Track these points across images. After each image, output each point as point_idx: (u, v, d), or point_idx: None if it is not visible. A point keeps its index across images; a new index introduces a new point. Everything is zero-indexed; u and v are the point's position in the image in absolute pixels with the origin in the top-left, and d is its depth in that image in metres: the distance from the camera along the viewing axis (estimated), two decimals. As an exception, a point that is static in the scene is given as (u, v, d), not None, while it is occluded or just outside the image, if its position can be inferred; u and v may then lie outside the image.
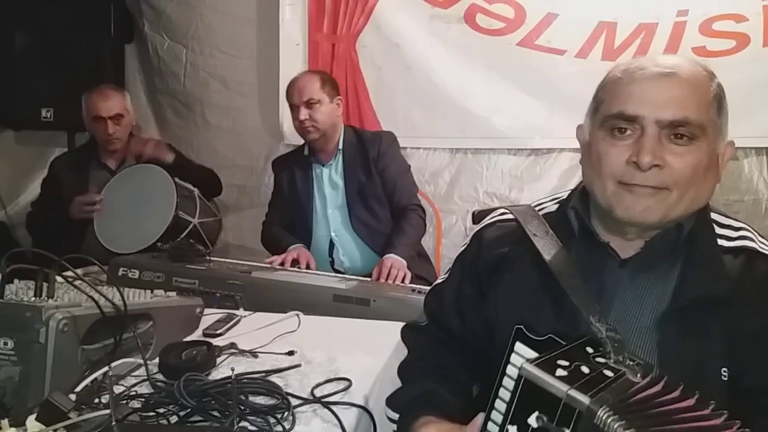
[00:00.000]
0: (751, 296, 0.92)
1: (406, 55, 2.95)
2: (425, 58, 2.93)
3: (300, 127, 2.42)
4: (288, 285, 1.86)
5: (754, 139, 2.66)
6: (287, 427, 1.04)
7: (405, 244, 2.31)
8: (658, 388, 0.79)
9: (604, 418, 0.71)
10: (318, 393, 1.18)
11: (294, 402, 1.12)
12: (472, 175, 2.97)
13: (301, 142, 3.05)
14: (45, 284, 1.09)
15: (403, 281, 2.10)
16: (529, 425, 0.76)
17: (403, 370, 1.14)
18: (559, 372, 0.77)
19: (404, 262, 2.20)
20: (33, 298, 1.07)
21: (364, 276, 2.20)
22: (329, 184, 2.52)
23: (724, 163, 0.99)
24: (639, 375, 0.80)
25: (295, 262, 2.23)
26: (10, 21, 3.22)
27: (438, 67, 2.92)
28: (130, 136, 2.75)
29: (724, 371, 0.90)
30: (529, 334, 0.83)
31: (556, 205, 1.08)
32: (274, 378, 1.23)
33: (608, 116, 0.94)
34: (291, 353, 1.39)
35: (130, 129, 2.75)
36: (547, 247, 0.99)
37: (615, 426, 0.70)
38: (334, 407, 1.13)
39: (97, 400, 1.04)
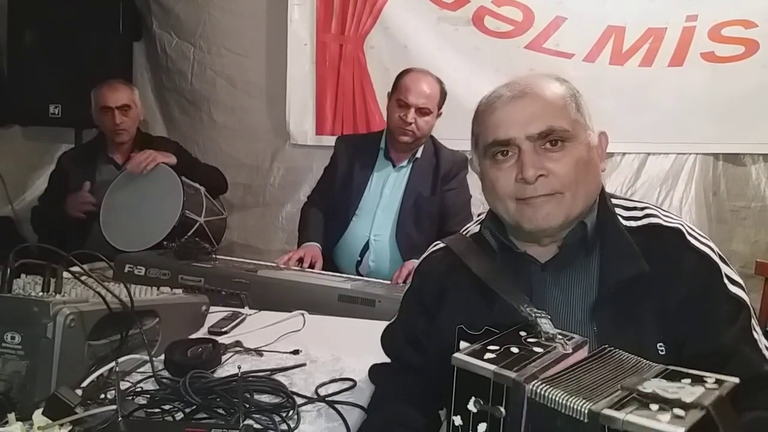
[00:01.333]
0: (666, 268, 0.96)
1: (413, 56, 2.94)
2: (433, 60, 2.92)
3: (399, 126, 2.32)
4: (293, 284, 1.86)
5: (762, 145, 2.66)
6: (292, 425, 1.04)
7: None
8: (584, 354, 0.84)
9: (532, 387, 0.75)
10: (322, 392, 1.18)
11: (299, 401, 1.12)
12: (477, 178, 2.96)
13: (306, 143, 3.09)
14: (52, 279, 1.10)
15: None
16: (470, 411, 0.80)
17: (370, 405, 1.16)
18: (488, 355, 0.82)
19: None
20: (41, 293, 1.08)
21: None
22: (391, 186, 2.43)
23: (603, 152, 1.06)
24: (569, 347, 0.85)
25: (302, 260, 2.22)
26: (20, 18, 3.23)
27: (445, 69, 2.90)
28: (137, 132, 2.75)
29: (660, 346, 0.94)
30: (468, 330, 0.90)
31: (478, 226, 1.15)
32: (279, 376, 1.23)
33: (486, 146, 1.02)
34: (296, 352, 1.39)
35: (138, 123, 2.75)
36: (475, 262, 1.06)
37: (543, 391, 0.74)
38: (338, 407, 1.13)
39: (103, 396, 1.04)
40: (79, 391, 1.01)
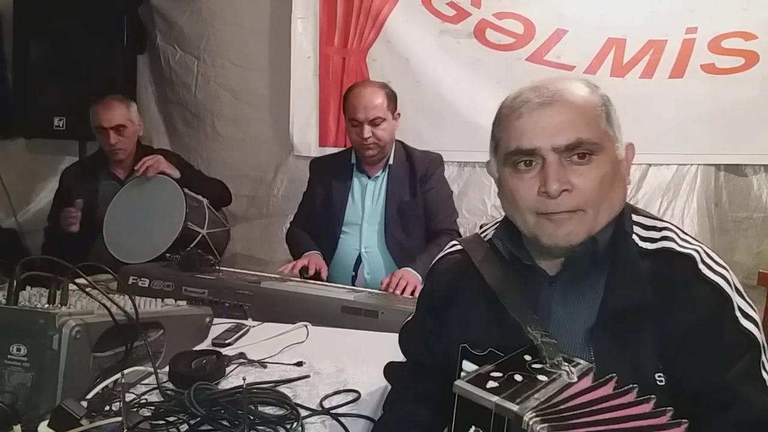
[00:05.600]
0: (673, 298, 0.91)
1: (415, 69, 2.97)
2: (435, 73, 2.95)
3: (360, 143, 2.36)
4: (297, 296, 1.86)
5: (763, 156, 2.66)
6: (296, 437, 1.05)
7: (426, 261, 2.18)
8: (588, 383, 0.81)
9: (530, 422, 0.73)
10: (327, 404, 1.19)
11: (303, 413, 1.12)
12: (480, 189, 2.97)
13: (310, 154, 3.09)
14: (58, 292, 1.11)
15: (412, 294, 2.06)
16: None
17: (386, 403, 1.15)
18: (490, 384, 0.80)
19: (418, 277, 2.14)
20: (46, 305, 1.08)
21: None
22: (371, 198, 2.46)
23: (629, 165, 1.02)
24: (575, 376, 0.82)
25: (305, 269, 2.22)
26: (26, 31, 3.26)
27: (447, 81, 2.94)
28: (139, 146, 2.76)
29: (659, 377, 0.89)
30: (473, 351, 0.87)
31: (495, 229, 1.11)
32: (283, 388, 1.23)
33: (508, 153, 0.97)
34: (299, 364, 1.39)
35: (137, 139, 2.76)
36: (488, 270, 1.03)
37: (538, 428, 0.72)
38: (342, 419, 1.13)
39: (108, 408, 1.04)
40: (84, 403, 1.01)
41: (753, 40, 2.59)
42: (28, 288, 1.17)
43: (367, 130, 2.32)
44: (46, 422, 0.94)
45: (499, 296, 0.98)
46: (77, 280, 1.20)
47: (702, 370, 0.88)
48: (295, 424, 1.08)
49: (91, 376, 1.09)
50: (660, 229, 0.99)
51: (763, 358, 0.89)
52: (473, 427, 0.78)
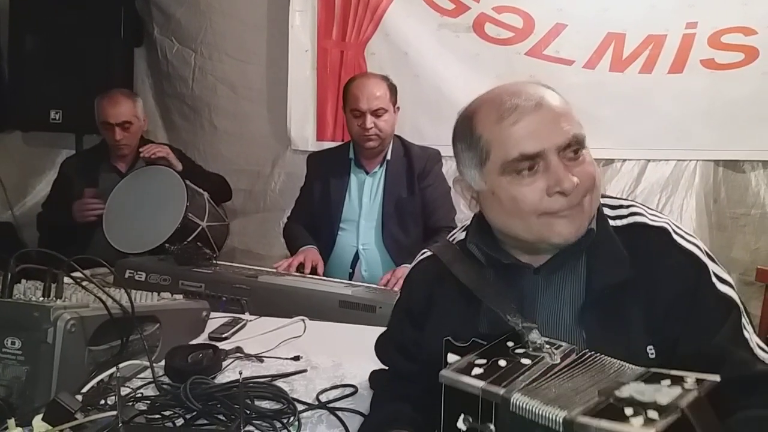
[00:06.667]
0: (653, 269, 0.94)
1: (414, 63, 2.95)
2: (433, 67, 2.94)
3: (361, 134, 2.34)
4: (294, 290, 1.86)
5: (762, 152, 2.66)
6: (293, 431, 1.04)
7: None
8: (573, 357, 0.83)
9: (518, 403, 0.73)
10: (323, 398, 1.18)
11: (299, 407, 1.12)
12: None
13: (307, 148, 3.08)
14: (53, 285, 1.10)
15: None
16: (459, 429, 0.79)
17: (370, 405, 1.15)
18: (476, 371, 0.80)
19: None
20: (41, 298, 1.08)
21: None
22: (369, 194, 2.44)
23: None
24: (557, 357, 0.83)
25: (302, 266, 2.21)
26: (21, 23, 3.24)
27: (446, 75, 2.93)
28: (141, 140, 2.75)
29: (650, 349, 0.92)
30: (455, 343, 0.87)
31: (464, 232, 1.11)
32: (279, 383, 1.23)
33: (509, 162, 0.93)
34: (296, 358, 1.39)
35: (140, 135, 2.75)
36: (462, 271, 1.03)
37: (521, 402, 0.73)
38: (339, 413, 1.13)
39: (103, 402, 1.04)
40: (79, 397, 1.01)
41: (753, 35, 2.58)
42: (23, 281, 1.16)
43: (370, 121, 2.30)
44: (40, 416, 0.94)
45: (475, 292, 0.99)
46: (73, 274, 1.19)
47: (689, 337, 0.92)
48: (291, 418, 1.08)
49: (86, 370, 1.09)
50: (627, 207, 1.03)
51: (743, 319, 0.94)
52: (462, 415, 0.78)
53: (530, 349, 0.85)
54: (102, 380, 1.09)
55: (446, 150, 2.67)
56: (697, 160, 2.75)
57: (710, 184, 2.75)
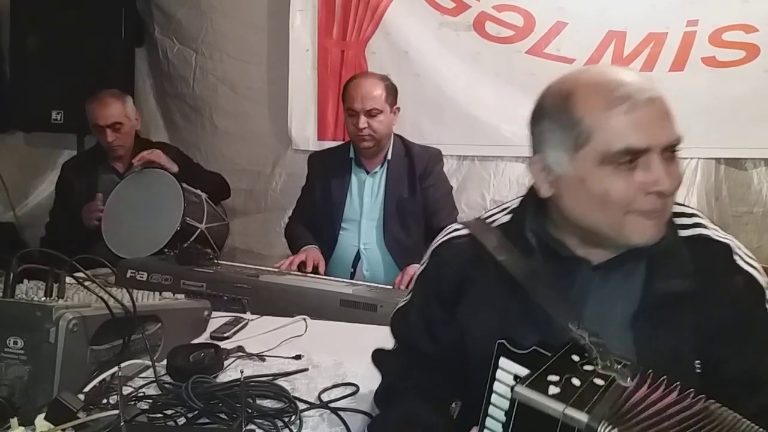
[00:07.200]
0: (712, 286, 0.92)
1: (414, 62, 2.95)
2: (434, 66, 2.94)
3: (355, 134, 2.35)
4: (295, 289, 1.86)
5: (763, 149, 2.65)
6: (294, 430, 1.04)
7: None
8: (646, 389, 0.79)
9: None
10: (325, 398, 1.18)
11: (301, 406, 1.12)
12: (479, 183, 2.96)
13: (308, 148, 3.08)
14: (55, 284, 1.10)
15: None
16: None
17: (380, 396, 1.10)
18: (552, 390, 0.75)
19: None
20: (43, 298, 1.08)
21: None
22: (370, 194, 2.44)
23: None
24: (629, 378, 0.79)
25: (303, 264, 2.21)
26: (23, 23, 3.24)
27: (446, 74, 2.92)
28: (137, 139, 2.75)
29: (698, 363, 0.91)
30: (512, 348, 0.82)
31: (509, 216, 1.06)
32: (281, 382, 1.23)
33: (612, 153, 0.88)
34: (298, 357, 1.39)
35: (134, 133, 2.75)
36: (509, 260, 0.98)
37: None
38: (341, 412, 1.13)
39: (105, 401, 1.04)
40: (81, 396, 1.01)
41: (754, 32, 2.57)
42: (25, 281, 1.17)
43: (363, 121, 2.30)
44: (42, 415, 0.94)
45: (525, 285, 0.94)
46: (75, 273, 1.20)
47: (739, 359, 0.90)
48: (293, 417, 1.08)
49: (88, 369, 1.09)
50: (689, 215, 1.00)
51: None
52: None
53: (599, 366, 0.81)
54: (104, 379, 1.09)
55: (447, 149, 2.71)
56: (699, 158, 2.74)
57: (712, 182, 2.74)
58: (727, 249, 0.95)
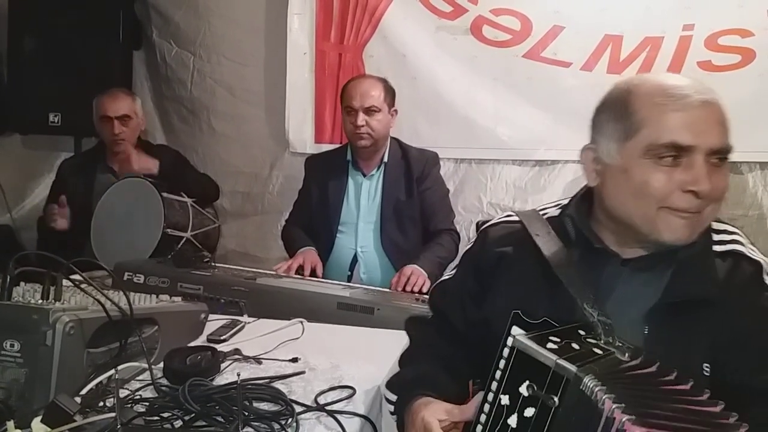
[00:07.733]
0: (735, 298, 0.95)
1: (412, 65, 2.96)
2: (431, 69, 2.94)
3: (353, 132, 2.35)
4: (292, 292, 1.86)
5: (759, 153, 2.66)
6: (291, 433, 1.04)
7: (430, 258, 2.22)
8: (649, 369, 0.84)
9: (590, 385, 0.75)
10: (321, 400, 1.18)
11: (298, 409, 1.12)
12: (476, 186, 2.97)
13: (306, 151, 3.09)
14: (52, 287, 1.10)
15: (421, 291, 2.04)
16: (521, 394, 0.80)
17: (404, 357, 1.16)
18: (550, 345, 0.82)
19: (425, 273, 2.13)
20: (40, 301, 1.08)
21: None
22: (367, 196, 2.45)
23: None
24: (627, 356, 0.85)
25: (301, 268, 2.21)
26: (20, 26, 3.24)
27: (444, 77, 2.93)
28: (139, 141, 2.76)
29: (706, 367, 0.93)
30: (525, 318, 0.87)
31: (558, 210, 1.12)
32: (278, 384, 1.23)
33: (656, 145, 0.93)
34: (295, 360, 1.39)
35: (138, 133, 2.76)
36: (547, 245, 1.04)
37: (598, 392, 0.74)
38: (337, 415, 1.13)
39: (102, 404, 1.04)
40: (78, 399, 1.01)
41: (749, 37, 2.58)
42: (21, 284, 1.16)
43: (361, 118, 2.31)
44: (39, 418, 0.93)
45: (556, 270, 0.99)
46: (71, 276, 1.19)
47: (750, 370, 0.92)
48: (289, 420, 1.08)
49: (84, 372, 1.09)
50: (730, 233, 1.03)
51: None
52: (527, 382, 0.80)
53: (602, 341, 0.87)
54: (101, 382, 1.09)
55: (444, 152, 2.72)
56: (695, 162, 2.75)
57: (708, 186, 2.75)
58: (758, 267, 0.98)
